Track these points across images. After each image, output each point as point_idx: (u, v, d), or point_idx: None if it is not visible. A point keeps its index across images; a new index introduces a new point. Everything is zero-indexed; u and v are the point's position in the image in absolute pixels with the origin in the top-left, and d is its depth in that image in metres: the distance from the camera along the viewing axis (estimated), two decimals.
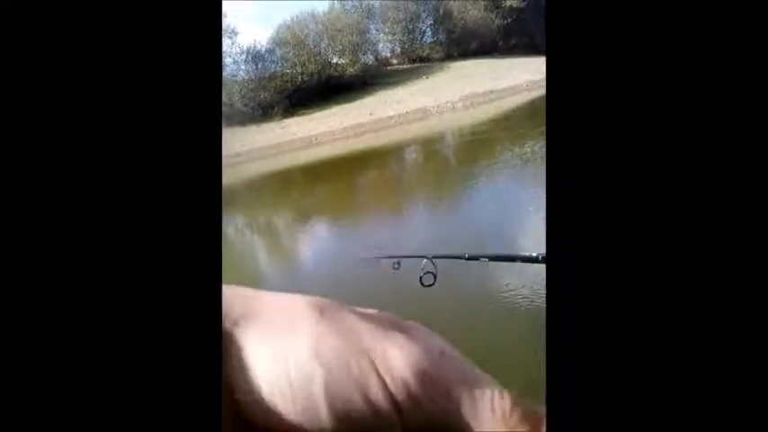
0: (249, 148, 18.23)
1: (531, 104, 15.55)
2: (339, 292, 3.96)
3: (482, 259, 1.08)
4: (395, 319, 0.25)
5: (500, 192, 6.54)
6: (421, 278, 1.22)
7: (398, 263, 1.65)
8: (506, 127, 11.68)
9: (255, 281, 5.30)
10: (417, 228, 5.95)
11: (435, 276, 1.21)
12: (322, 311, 0.23)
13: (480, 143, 10.61)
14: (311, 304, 0.24)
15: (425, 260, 1.24)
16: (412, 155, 12.40)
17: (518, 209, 5.38)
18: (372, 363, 0.22)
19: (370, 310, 0.26)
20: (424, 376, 0.22)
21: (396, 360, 0.22)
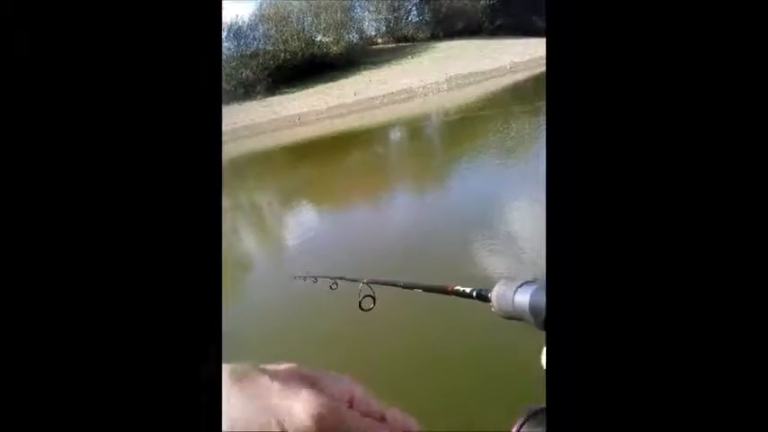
0: (231, 128, 17.90)
1: (516, 85, 15.55)
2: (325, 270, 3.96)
3: (416, 290, 1.05)
4: (306, 372, 0.29)
5: (485, 172, 6.57)
6: (360, 303, 1.19)
7: (336, 283, 1.64)
8: (492, 107, 11.68)
9: (239, 263, 5.26)
10: (401, 211, 5.95)
11: (374, 299, 1.19)
12: (238, 378, 0.26)
13: (467, 123, 10.60)
14: (228, 372, 0.26)
15: (362, 284, 1.21)
16: (397, 135, 12.33)
17: (503, 188, 5.42)
18: (279, 421, 0.25)
19: (283, 365, 0.29)
20: (326, 426, 0.25)
21: (299, 415, 0.25)
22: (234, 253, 5.58)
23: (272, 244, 6.15)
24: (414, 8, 28.51)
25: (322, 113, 18.63)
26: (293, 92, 21.88)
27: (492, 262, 3.60)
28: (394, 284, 1.18)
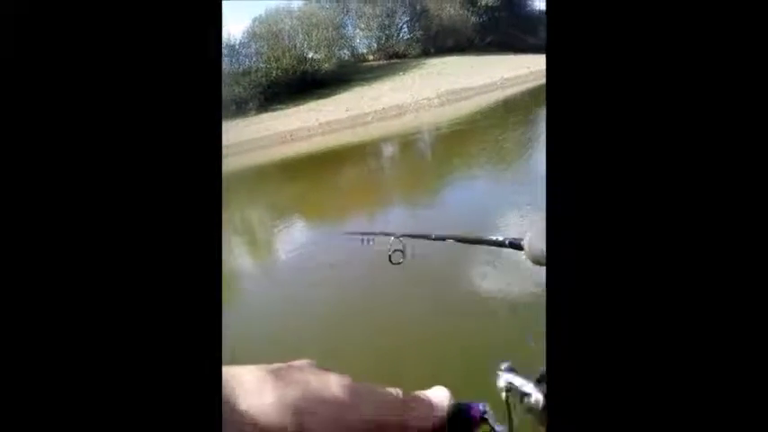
0: (224, 144, 17.80)
1: (506, 101, 15.69)
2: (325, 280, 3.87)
3: (448, 240, 1.09)
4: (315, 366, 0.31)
5: (477, 185, 6.54)
6: (390, 256, 1.25)
7: (372, 239, 1.77)
8: (484, 121, 11.75)
9: (232, 278, 5.16)
10: (395, 227, 5.89)
11: (404, 253, 1.25)
12: (276, 376, 0.28)
13: (458, 138, 10.63)
14: (264, 371, 0.28)
15: (393, 238, 1.26)
16: (389, 150, 12.34)
17: (495, 203, 5.39)
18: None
19: (300, 361, 0.31)
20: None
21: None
22: (225, 268, 5.46)
23: (264, 259, 6.05)
24: (404, 25, 28.91)
25: (314, 130, 18.65)
26: (285, 108, 21.95)
27: (487, 271, 3.54)
28: (426, 237, 1.23)
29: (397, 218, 6.14)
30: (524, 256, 0.68)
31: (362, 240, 1.78)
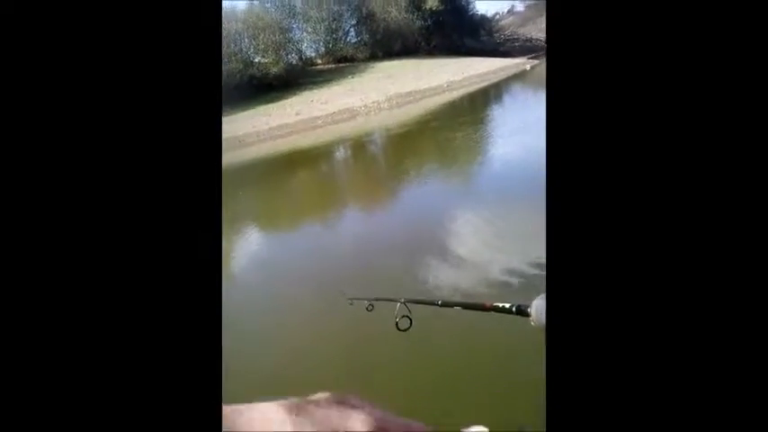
0: None
1: (453, 103, 16.21)
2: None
3: (455, 308, 1.10)
4: (338, 397, 0.31)
5: (428, 186, 6.82)
6: (397, 323, 1.22)
7: (372, 305, 1.69)
8: (431, 123, 12.11)
9: None
10: (349, 231, 6.04)
11: (411, 320, 1.22)
12: (297, 412, 0.28)
13: (408, 141, 10.91)
14: (285, 407, 0.28)
15: (399, 304, 1.25)
16: (341, 153, 12.47)
17: (444, 201, 5.65)
18: None
19: (319, 395, 0.31)
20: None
21: (361, 429, 0.28)
22: None
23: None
24: (352, 29, 29.07)
25: (264, 134, 18.47)
26: (233, 113, 21.55)
27: (441, 274, 3.77)
28: (432, 303, 1.20)
29: (350, 222, 6.30)
30: (532, 323, 0.70)
31: (368, 307, 1.73)
